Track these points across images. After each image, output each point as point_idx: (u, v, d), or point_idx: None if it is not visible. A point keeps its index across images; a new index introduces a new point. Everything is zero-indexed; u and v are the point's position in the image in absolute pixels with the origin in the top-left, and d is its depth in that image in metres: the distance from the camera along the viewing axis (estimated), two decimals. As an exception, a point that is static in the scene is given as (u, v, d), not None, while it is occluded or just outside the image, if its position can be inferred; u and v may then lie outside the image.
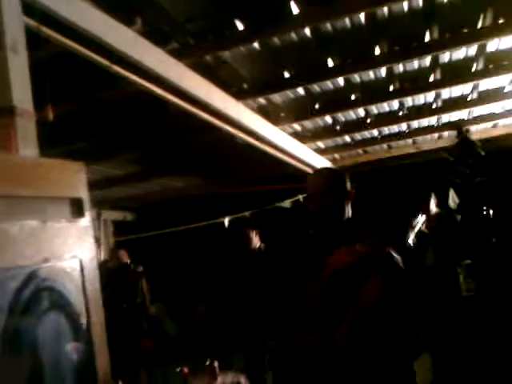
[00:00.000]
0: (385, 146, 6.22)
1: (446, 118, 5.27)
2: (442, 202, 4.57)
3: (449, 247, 4.13)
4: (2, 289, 1.58)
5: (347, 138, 5.57)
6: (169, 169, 5.86)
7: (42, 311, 1.74)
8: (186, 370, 3.43)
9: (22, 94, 1.84)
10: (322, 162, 5.76)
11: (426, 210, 4.35)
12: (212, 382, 3.39)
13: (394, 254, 1.98)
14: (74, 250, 1.85)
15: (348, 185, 2.22)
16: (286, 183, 6.73)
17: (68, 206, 1.88)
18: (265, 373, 3.97)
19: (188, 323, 5.31)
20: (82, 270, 1.86)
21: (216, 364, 3.47)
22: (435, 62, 3.74)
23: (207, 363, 3.47)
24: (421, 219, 4.23)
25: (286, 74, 3.65)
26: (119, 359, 3.65)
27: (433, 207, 4.39)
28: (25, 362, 1.67)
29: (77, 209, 1.90)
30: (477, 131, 5.82)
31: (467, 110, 5.02)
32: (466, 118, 5.31)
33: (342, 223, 2.11)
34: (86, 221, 1.94)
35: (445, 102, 4.68)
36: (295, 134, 4.91)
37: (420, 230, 4.18)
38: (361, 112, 4.69)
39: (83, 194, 1.93)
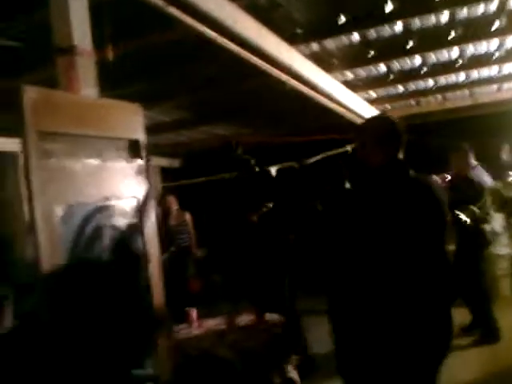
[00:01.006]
0: (439, 97, 5.98)
1: (508, 68, 4.98)
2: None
3: None
4: (66, 224, 1.65)
5: (400, 88, 5.37)
6: (216, 116, 5.85)
7: (102, 247, 1.82)
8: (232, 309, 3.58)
9: (81, 34, 1.85)
10: (372, 113, 5.61)
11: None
12: (257, 322, 3.51)
13: None
14: (132, 191, 1.90)
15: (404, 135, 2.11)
16: (335, 134, 6.62)
17: (126, 147, 1.91)
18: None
19: (232, 269, 5.44)
20: (140, 209, 1.92)
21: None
22: (501, 7, 3.49)
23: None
24: None
25: (342, 19, 3.49)
26: (168, 300, 3.84)
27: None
28: (83, 293, 1.76)
29: (134, 150, 1.94)
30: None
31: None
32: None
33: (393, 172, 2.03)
34: (143, 163, 1.99)
35: (508, 51, 4.39)
36: (347, 83, 4.76)
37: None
38: (417, 60, 4.47)
39: (140, 135, 1.97)
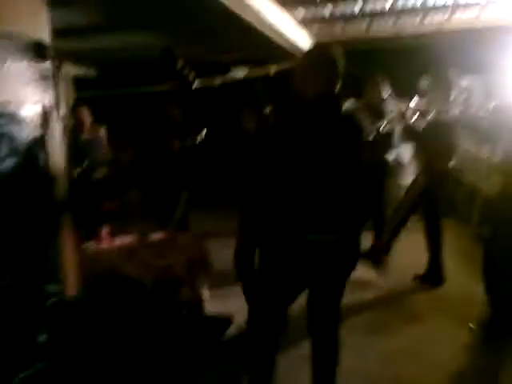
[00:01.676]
0: (364, 25, 5.98)
1: (432, 1, 5.03)
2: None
3: None
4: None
5: (328, 10, 5.28)
6: (137, 23, 5.45)
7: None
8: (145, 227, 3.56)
9: None
10: (300, 35, 5.52)
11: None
12: (170, 241, 3.53)
13: None
14: (35, 97, 1.74)
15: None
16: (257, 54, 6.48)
17: (28, 47, 1.72)
18: None
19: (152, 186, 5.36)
20: (44, 119, 1.77)
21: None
22: None
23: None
24: None
25: None
26: (80, 217, 3.72)
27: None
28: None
29: (39, 52, 1.75)
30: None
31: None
32: (450, 4, 5.09)
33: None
34: (48, 66, 1.81)
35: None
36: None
37: None
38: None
39: (45, 35, 1.77)
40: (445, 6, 5.17)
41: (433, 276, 4.23)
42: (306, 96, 2.07)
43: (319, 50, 2.28)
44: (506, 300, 3.25)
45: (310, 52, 2.25)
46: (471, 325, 3.32)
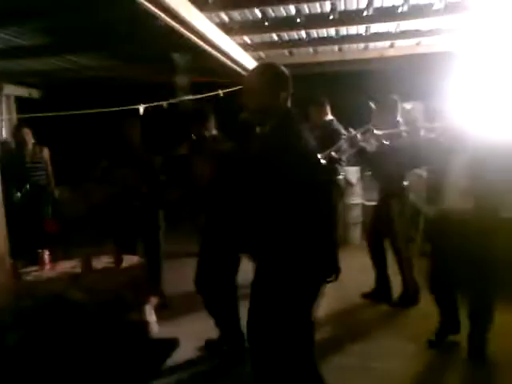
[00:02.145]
0: (311, 50, 6.14)
1: (375, 28, 5.23)
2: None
3: None
4: None
5: (275, 37, 5.40)
6: (80, 44, 5.38)
7: None
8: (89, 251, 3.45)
9: None
10: (247, 59, 5.59)
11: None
12: (116, 264, 3.43)
13: None
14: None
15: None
16: (208, 76, 6.52)
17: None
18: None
19: (94, 205, 5.23)
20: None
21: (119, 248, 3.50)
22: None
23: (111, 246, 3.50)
24: None
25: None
26: (21, 241, 3.57)
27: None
28: None
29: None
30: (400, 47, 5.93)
31: (396, 23, 5.00)
32: (393, 31, 5.31)
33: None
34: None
35: (376, 10, 4.59)
36: (222, 26, 4.64)
37: None
38: (292, 9, 4.50)
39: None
40: (388, 33, 5.39)
41: (381, 293, 4.31)
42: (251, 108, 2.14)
43: (261, 65, 2.36)
44: (453, 312, 3.36)
45: (257, 66, 2.34)
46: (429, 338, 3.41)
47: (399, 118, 4.17)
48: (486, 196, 3.02)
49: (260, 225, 2.08)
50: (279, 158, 1.98)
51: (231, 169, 2.13)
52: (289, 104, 2.22)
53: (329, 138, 4.54)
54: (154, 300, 3.50)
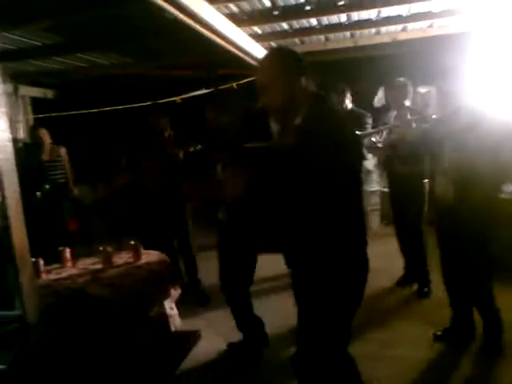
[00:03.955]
0: (322, 37, 6.07)
1: (386, 12, 5.15)
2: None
3: None
4: None
5: (285, 25, 5.35)
6: (93, 43, 5.41)
7: None
8: (109, 248, 3.48)
9: None
10: (257, 49, 5.55)
11: None
12: (136, 259, 3.46)
13: None
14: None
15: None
16: (222, 69, 6.51)
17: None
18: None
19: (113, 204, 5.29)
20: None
21: (139, 244, 3.53)
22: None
23: (132, 243, 3.53)
24: None
25: None
26: (42, 240, 3.62)
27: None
28: None
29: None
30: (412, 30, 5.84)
31: (407, 6, 4.91)
32: (405, 14, 5.23)
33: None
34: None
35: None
36: (231, 16, 4.62)
37: None
38: (301, -3, 4.46)
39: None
40: (399, 17, 5.29)
41: (411, 278, 4.29)
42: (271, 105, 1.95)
43: (278, 48, 2.21)
44: (462, 298, 3.27)
45: (264, 57, 2.06)
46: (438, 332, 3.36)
47: (408, 103, 4.12)
48: (499, 176, 2.97)
49: (309, 220, 1.89)
50: (325, 149, 1.74)
51: (271, 167, 1.90)
52: (313, 87, 1.99)
53: (356, 124, 4.47)
54: (175, 294, 3.52)
